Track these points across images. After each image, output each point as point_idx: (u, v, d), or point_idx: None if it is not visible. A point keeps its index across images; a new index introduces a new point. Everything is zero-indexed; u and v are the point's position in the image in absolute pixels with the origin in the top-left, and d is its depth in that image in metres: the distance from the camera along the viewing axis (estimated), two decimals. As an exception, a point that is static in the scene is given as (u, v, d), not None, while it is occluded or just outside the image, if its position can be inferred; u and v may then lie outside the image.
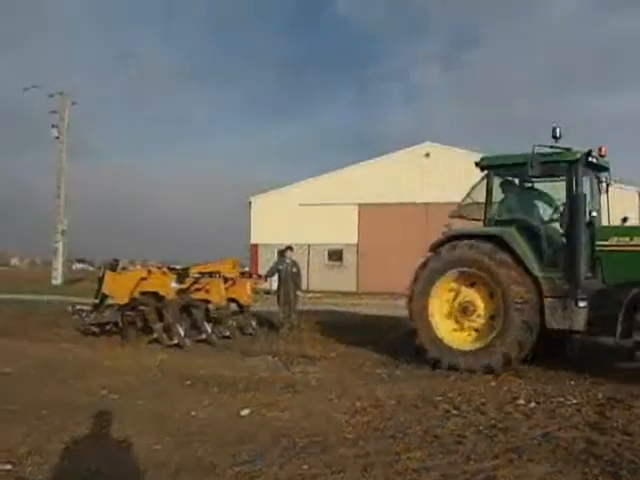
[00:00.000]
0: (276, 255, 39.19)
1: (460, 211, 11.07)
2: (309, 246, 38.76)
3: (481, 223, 10.73)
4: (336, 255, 41.42)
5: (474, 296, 10.04)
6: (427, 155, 38.03)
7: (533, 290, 9.56)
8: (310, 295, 29.66)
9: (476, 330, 10.08)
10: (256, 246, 42.49)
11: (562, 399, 7.58)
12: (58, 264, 37.90)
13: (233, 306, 14.02)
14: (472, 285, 10.11)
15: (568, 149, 9.68)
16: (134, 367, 9.83)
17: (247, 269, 19.17)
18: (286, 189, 43.41)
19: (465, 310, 10.03)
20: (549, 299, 9.50)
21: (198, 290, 12.53)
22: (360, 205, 40.19)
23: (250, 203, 43.97)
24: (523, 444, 5.68)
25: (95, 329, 13.30)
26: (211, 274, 12.60)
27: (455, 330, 10.20)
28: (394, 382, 8.91)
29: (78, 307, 13.52)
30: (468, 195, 11.10)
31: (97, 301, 13.09)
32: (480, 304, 9.99)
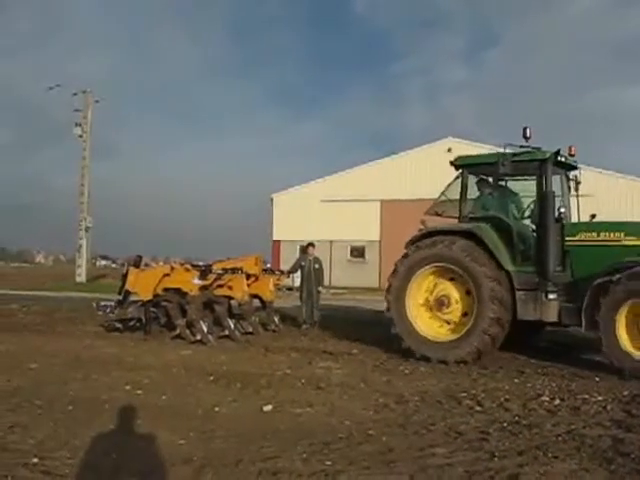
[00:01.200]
0: (298, 251, 39.12)
1: (435, 208, 11.55)
2: (331, 243, 38.80)
3: (456, 220, 11.24)
4: (358, 251, 41.44)
5: (450, 290, 10.50)
6: (449, 150, 37.66)
7: (505, 284, 10.01)
8: (332, 291, 29.71)
9: (451, 323, 10.52)
10: (278, 242, 42.63)
11: (587, 396, 7.51)
12: (82, 261, 38.17)
13: (256, 302, 14.05)
14: (448, 279, 10.56)
15: (538, 149, 10.16)
16: (157, 363, 9.88)
17: (269, 265, 19.18)
18: (308, 186, 43.48)
19: (441, 303, 10.47)
20: (521, 292, 10.04)
21: (221, 286, 12.54)
22: (382, 201, 40.14)
23: (272, 200, 44.08)
24: (548, 441, 5.63)
25: (119, 325, 13.39)
26: (234, 270, 12.61)
27: (431, 322, 10.66)
28: (417, 378, 8.89)
29: (102, 303, 13.60)
30: (443, 193, 11.56)
31: (121, 297, 13.16)
32: (455, 298, 10.43)
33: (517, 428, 6.11)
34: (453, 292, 10.44)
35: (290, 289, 23.95)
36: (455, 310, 10.42)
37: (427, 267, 10.54)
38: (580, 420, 6.41)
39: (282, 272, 15.59)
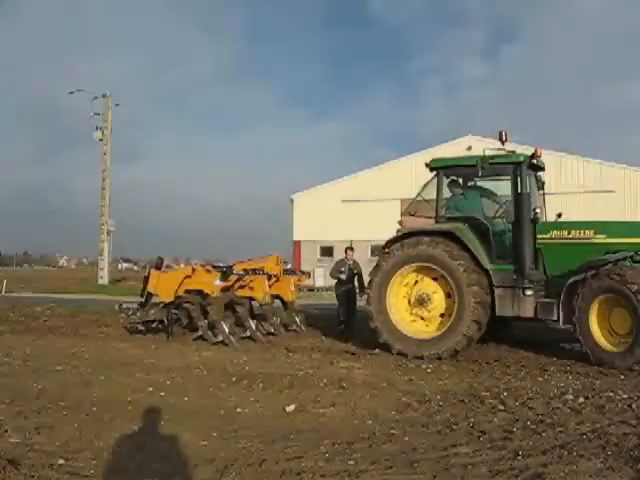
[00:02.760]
0: (318, 251, 39.11)
1: (411, 209, 11.93)
2: (352, 242, 38.78)
3: (431, 220, 11.56)
4: (379, 251, 41.26)
5: (429, 288, 10.80)
6: (469, 149, 37.51)
7: (484, 281, 10.34)
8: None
9: (430, 320, 10.85)
10: (299, 243, 42.65)
11: (611, 394, 7.43)
12: (104, 264, 38.46)
13: (277, 303, 14.06)
14: (428, 278, 10.87)
15: (513, 152, 10.68)
16: (180, 364, 9.93)
17: (290, 266, 19.17)
18: (328, 185, 43.43)
19: (421, 301, 10.78)
20: (499, 289, 10.38)
21: (242, 287, 12.58)
22: (402, 200, 39.95)
23: (292, 200, 44.10)
24: (572, 440, 5.58)
25: (141, 327, 13.48)
26: (255, 271, 12.63)
27: (410, 319, 10.98)
28: (439, 377, 8.85)
29: (125, 306, 13.70)
30: (419, 194, 11.96)
31: (143, 299, 13.24)
32: (435, 296, 10.75)
33: (541, 427, 6.07)
34: (433, 290, 10.74)
35: (311, 289, 23.92)
36: (435, 308, 10.72)
37: (409, 266, 10.87)
38: (605, 418, 6.35)
39: (303, 273, 15.55)
